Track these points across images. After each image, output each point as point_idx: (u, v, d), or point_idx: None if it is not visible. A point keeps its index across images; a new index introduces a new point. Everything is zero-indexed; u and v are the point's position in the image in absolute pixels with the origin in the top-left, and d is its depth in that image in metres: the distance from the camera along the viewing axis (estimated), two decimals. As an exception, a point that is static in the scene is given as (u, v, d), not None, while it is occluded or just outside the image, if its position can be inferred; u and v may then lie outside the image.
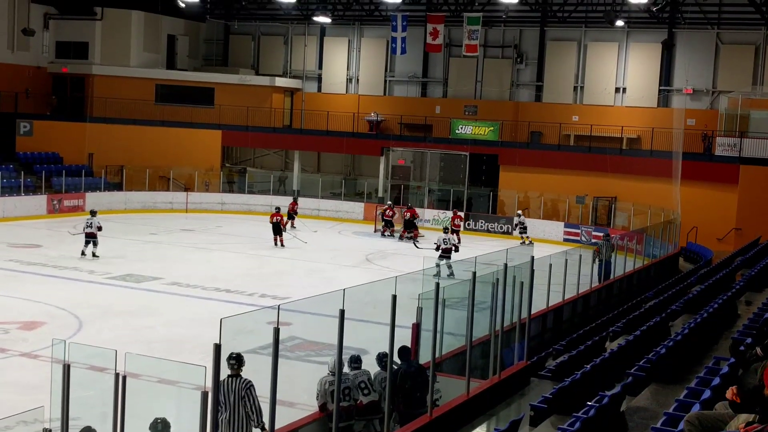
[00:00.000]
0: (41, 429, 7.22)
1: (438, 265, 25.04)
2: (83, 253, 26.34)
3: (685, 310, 15.95)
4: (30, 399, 9.65)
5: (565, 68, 41.01)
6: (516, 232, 34.99)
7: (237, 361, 10.15)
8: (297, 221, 34.44)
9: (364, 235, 35.26)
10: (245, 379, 10.15)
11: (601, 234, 29.23)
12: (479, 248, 28.18)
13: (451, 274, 23.88)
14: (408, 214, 34.79)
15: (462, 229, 34.78)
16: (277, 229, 31.03)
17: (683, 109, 36.92)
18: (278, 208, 32.09)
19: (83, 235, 26.55)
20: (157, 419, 8.16)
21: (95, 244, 26.33)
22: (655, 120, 37.49)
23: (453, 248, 26.20)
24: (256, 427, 9.98)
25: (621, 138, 38.33)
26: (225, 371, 9.87)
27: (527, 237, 34.16)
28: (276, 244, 30.96)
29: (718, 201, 33.35)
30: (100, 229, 26.34)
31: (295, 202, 36.12)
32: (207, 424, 7.30)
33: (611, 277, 24.25)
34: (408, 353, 11.35)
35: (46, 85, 42.67)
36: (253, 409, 9.91)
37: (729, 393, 5.41)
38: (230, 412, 10.02)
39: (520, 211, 35.89)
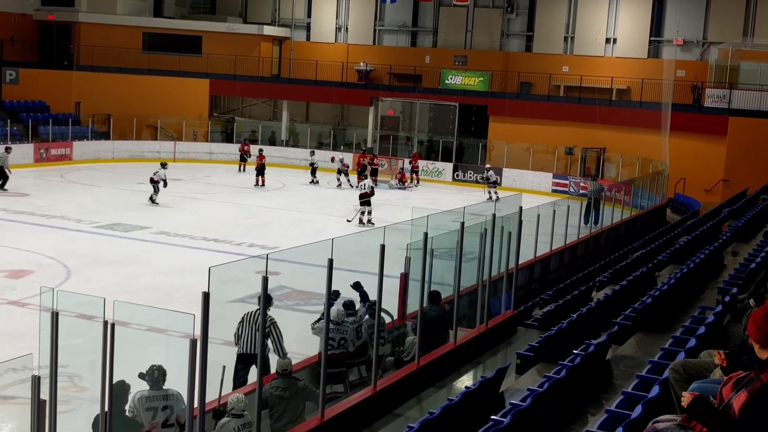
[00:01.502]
0: (30, 376, 7.24)
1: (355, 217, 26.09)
2: (152, 199, 27.48)
3: (672, 260, 16.07)
4: (18, 347, 9.67)
5: (556, 18, 40.72)
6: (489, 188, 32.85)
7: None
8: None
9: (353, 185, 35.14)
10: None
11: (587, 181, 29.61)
12: (468, 199, 28.21)
13: (370, 221, 25.53)
14: (365, 159, 35.05)
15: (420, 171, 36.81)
16: (261, 170, 33.07)
17: (673, 60, 36.81)
18: (261, 150, 34.41)
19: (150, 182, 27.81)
20: (153, 366, 8.19)
21: (156, 191, 27.51)
22: (645, 71, 37.35)
23: (369, 192, 26.47)
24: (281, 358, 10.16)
25: (611, 89, 38.21)
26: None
27: (494, 191, 32.17)
28: (257, 183, 32.93)
29: (706, 152, 33.41)
30: (164, 181, 27.47)
31: (245, 143, 37.93)
32: (196, 372, 7.33)
33: (600, 222, 24.33)
34: (438, 298, 11.75)
35: (32, 32, 42.12)
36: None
37: (717, 359, 5.42)
38: (252, 345, 10.36)
39: (488, 165, 34.54)
